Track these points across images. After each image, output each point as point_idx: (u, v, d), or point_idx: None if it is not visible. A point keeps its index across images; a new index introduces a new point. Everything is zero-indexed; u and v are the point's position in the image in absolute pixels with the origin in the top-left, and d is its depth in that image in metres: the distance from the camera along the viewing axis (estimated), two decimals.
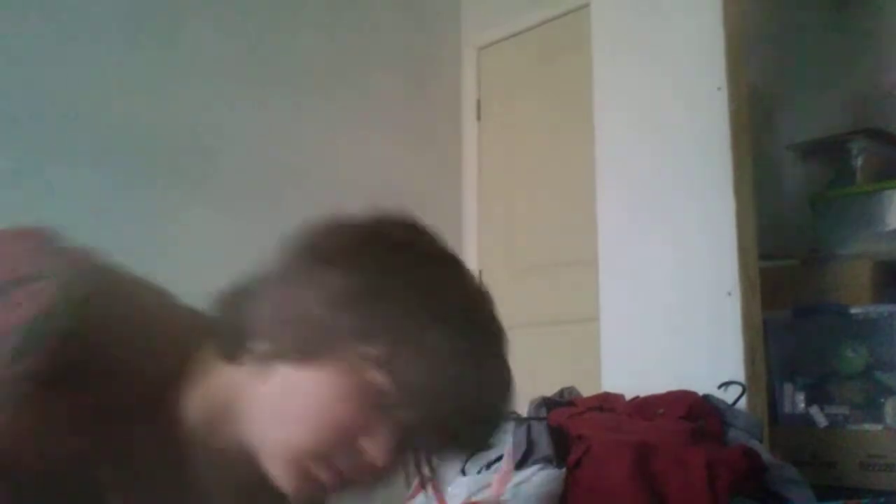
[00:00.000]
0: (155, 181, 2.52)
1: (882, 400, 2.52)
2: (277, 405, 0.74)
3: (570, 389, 2.38)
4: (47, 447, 0.68)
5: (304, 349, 0.73)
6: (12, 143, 2.27)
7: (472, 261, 3.49)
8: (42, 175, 2.29)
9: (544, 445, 1.94)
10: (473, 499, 1.81)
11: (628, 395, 2.24)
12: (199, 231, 2.54)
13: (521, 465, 1.89)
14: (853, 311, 2.64)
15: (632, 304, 2.59)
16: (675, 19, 2.59)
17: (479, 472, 1.98)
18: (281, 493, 0.76)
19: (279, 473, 0.74)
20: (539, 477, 1.81)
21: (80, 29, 2.43)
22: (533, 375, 3.01)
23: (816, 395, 2.64)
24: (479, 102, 3.59)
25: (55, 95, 2.35)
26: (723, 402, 2.14)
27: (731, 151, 2.38)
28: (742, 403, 2.19)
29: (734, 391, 2.20)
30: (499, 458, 1.98)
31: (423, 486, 1.28)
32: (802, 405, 2.66)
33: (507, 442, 2.02)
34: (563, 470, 1.85)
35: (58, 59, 2.36)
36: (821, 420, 2.59)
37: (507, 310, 3.32)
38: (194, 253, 2.42)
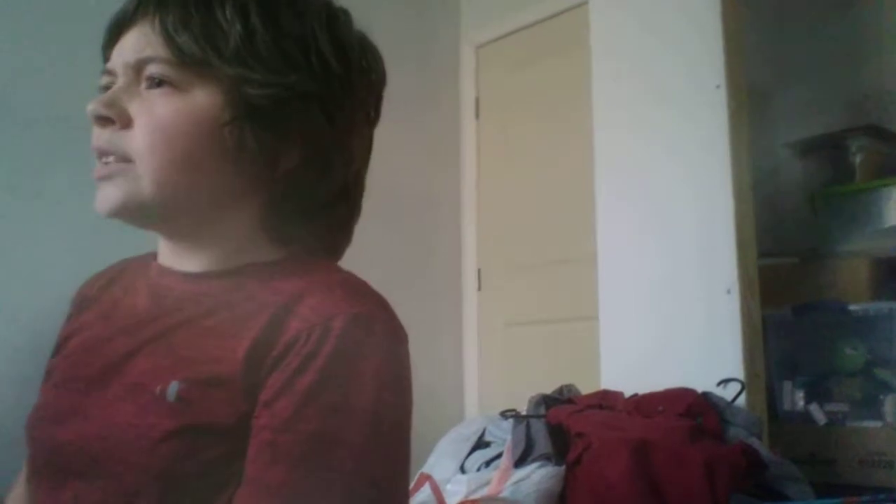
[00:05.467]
0: None
1: (881, 397, 2.52)
2: None
3: (570, 387, 2.38)
4: None
5: None
6: (14, 147, 2.27)
7: (471, 259, 3.49)
8: (40, 178, 2.29)
9: (543, 443, 1.94)
10: (473, 496, 1.81)
11: (627, 393, 2.24)
12: None
13: (520, 462, 1.90)
14: (852, 308, 2.64)
15: (631, 301, 2.59)
16: (674, 17, 2.59)
17: (478, 470, 1.98)
18: None
19: None
20: (538, 474, 1.82)
21: (62, 20, 2.43)
22: (532, 373, 3.02)
23: (816, 393, 2.64)
24: (477, 100, 3.60)
25: (49, 97, 2.34)
26: (722, 399, 2.14)
27: (729, 149, 2.38)
28: (741, 401, 2.19)
29: (733, 389, 2.20)
30: (498, 456, 1.98)
31: None
32: (802, 402, 2.66)
33: (506, 439, 2.02)
34: (563, 467, 1.85)
35: (49, 61, 2.36)
36: (820, 417, 2.59)
37: (506, 308, 3.35)
38: None
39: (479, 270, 3.46)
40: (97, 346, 0.82)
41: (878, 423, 2.48)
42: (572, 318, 2.99)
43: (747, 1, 2.63)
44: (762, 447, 1.94)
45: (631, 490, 1.73)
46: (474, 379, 3.38)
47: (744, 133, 2.44)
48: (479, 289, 3.44)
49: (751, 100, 2.52)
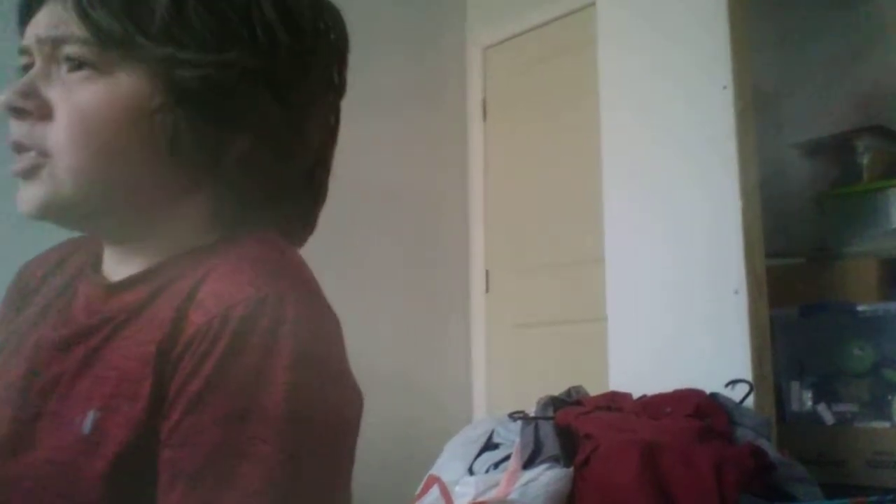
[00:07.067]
0: None
1: (889, 398, 2.52)
2: None
3: (578, 388, 2.39)
4: None
5: None
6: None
7: (479, 261, 3.50)
8: None
9: (552, 445, 1.95)
10: (481, 498, 1.82)
11: (636, 394, 2.24)
12: None
13: (528, 464, 1.90)
14: (860, 308, 2.64)
15: (639, 302, 2.60)
16: (681, 18, 2.59)
17: (486, 472, 1.99)
18: None
19: None
20: (547, 476, 1.82)
21: None
22: (540, 374, 3.02)
23: (824, 393, 2.64)
24: (484, 102, 3.60)
25: None
26: (730, 400, 2.15)
27: (736, 150, 2.38)
28: (749, 402, 2.19)
29: (741, 390, 2.21)
30: (507, 458, 1.99)
31: None
32: (810, 403, 2.66)
33: (514, 441, 2.03)
34: (571, 469, 1.86)
35: None
36: (828, 418, 2.59)
37: (514, 309, 3.35)
38: None
39: (486, 272, 3.46)
40: (31, 371, 0.70)
41: (886, 424, 2.49)
42: (580, 319, 2.99)
43: (754, 1, 2.63)
44: (770, 448, 1.95)
45: (639, 491, 1.73)
46: (482, 381, 3.38)
47: (751, 133, 2.44)
48: (487, 290, 3.45)
49: (758, 100, 2.52)
